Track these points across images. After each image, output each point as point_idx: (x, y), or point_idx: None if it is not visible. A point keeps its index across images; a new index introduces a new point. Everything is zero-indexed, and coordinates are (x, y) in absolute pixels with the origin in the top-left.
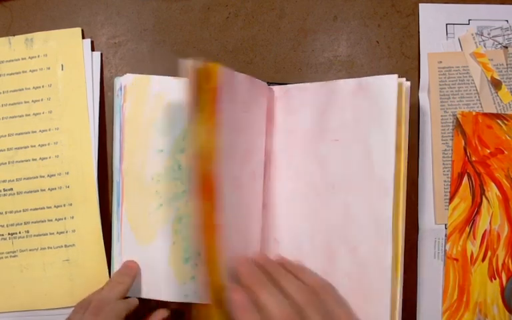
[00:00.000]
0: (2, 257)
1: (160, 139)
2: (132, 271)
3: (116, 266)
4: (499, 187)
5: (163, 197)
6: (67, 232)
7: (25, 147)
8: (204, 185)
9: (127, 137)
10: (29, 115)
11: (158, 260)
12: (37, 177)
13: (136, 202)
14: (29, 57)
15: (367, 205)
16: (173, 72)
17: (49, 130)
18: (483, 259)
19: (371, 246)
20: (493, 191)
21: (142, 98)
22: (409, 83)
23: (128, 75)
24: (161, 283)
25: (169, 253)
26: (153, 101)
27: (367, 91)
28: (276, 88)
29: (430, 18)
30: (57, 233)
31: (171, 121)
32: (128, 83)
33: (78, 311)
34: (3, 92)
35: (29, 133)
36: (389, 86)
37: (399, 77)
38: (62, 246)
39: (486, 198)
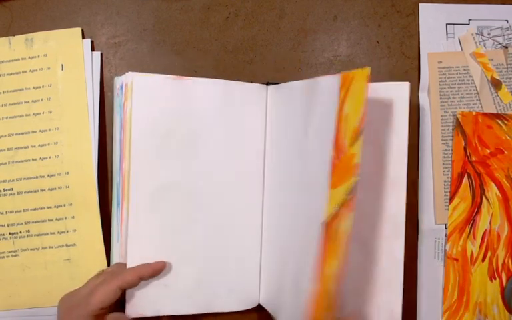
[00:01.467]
0: (3, 257)
1: None
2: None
3: None
4: (499, 187)
5: None
6: (67, 232)
7: (25, 147)
8: None
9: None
10: (29, 115)
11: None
12: (36, 177)
13: None
14: (29, 57)
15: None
16: (172, 71)
17: (49, 130)
18: (483, 259)
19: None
20: (492, 191)
21: None
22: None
23: (129, 73)
24: None
25: None
26: None
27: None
28: (270, 87)
29: (430, 18)
30: (58, 232)
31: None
32: (129, 82)
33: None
34: (3, 92)
35: (29, 132)
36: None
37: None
38: (63, 245)
39: (486, 198)
